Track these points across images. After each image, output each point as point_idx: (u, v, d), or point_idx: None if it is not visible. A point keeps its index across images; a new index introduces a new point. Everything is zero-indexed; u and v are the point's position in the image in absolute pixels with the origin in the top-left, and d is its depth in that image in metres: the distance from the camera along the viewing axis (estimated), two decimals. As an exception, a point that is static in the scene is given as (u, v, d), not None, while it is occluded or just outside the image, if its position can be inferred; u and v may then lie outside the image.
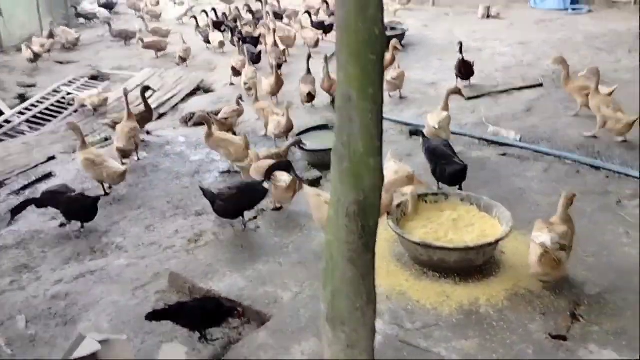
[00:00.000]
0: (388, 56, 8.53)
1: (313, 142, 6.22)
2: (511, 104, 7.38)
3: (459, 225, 3.91)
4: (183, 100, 9.24)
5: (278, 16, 12.34)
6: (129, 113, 6.56)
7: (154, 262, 4.12)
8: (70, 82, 9.95)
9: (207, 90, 9.77)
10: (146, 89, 7.33)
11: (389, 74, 7.89)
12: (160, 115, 8.64)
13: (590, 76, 6.16)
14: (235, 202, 4.39)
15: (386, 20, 11.38)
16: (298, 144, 5.71)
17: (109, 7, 16.09)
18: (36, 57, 10.68)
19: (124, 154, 6.32)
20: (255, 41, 10.32)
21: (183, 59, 10.67)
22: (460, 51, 7.91)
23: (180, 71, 10.49)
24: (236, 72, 9.22)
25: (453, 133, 6.35)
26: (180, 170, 6.01)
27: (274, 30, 10.24)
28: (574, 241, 3.57)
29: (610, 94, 6.26)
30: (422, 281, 3.63)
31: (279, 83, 8.07)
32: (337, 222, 2.00)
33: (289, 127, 6.45)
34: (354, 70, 1.84)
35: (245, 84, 8.35)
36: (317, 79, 7.91)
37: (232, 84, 9.28)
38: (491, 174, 5.22)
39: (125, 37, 12.30)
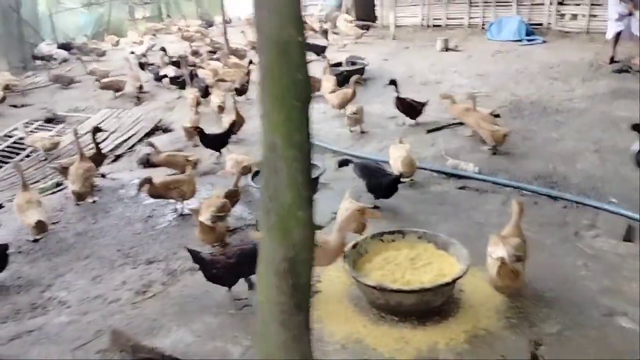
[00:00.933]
0: (350, 90, 8.54)
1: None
2: (469, 135, 7.41)
3: (416, 264, 3.79)
4: (141, 140, 9.04)
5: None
6: (82, 154, 6.35)
7: (97, 318, 3.86)
8: (24, 125, 9.64)
9: (165, 130, 9.60)
10: (97, 130, 7.14)
11: (349, 109, 7.90)
12: (117, 157, 8.42)
13: (470, 100, 7.27)
14: (235, 270, 3.84)
15: (347, 55, 11.49)
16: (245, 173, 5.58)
17: (67, 48, 15.91)
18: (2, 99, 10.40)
19: (80, 196, 6.09)
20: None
21: (139, 89, 10.61)
22: (395, 89, 7.80)
23: (139, 111, 10.33)
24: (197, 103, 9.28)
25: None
26: (133, 215, 5.78)
27: (250, 62, 10.49)
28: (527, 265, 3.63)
29: (491, 114, 7.47)
30: (380, 326, 3.47)
31: (240, 120, 7.98)
32: (267, 281, 1.85)
33: (249, 169, 6.33)
34: (278, 117, 1.73)
35: (219, 106, 8.61)
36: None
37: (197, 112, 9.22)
38: (450, 209, 5.15)
39: (62, 81, 12.11)
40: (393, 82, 7.85)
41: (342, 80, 9.54)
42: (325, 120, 8.73)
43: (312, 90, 7.79)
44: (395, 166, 5.86)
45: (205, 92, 9.59)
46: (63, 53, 15.09)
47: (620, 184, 5.60)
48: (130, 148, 8.78)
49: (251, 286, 3.99)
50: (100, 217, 5.84)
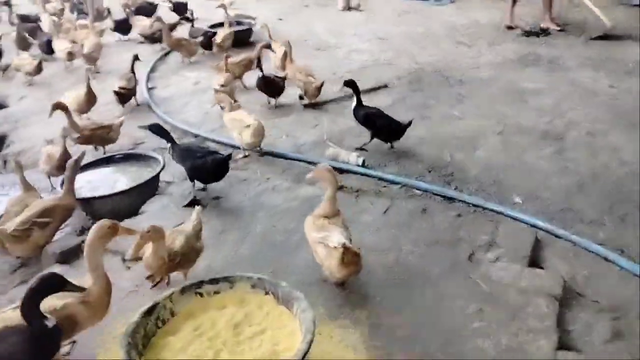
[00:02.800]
0: (252, 56, 6.94)
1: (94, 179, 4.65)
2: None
3: (242, 334, 2.56)
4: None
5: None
6: None
7: None
8: None
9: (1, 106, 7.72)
10: None
11: (217, 80, 6.46)
12: None
13: (286, 48, 6.69)
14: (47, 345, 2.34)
15: (234, 12, 9.85)
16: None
17: None
18: None
19: None
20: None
21: None
22: (259, 66, 6.27)
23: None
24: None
25: (285, 157, 5.11)
26: None
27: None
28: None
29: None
30: None
31: (91, 99, 6.23)
32: None
33: (63, 162, 4.77)
34: None
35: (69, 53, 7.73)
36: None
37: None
38: (319, 221, 3.96)
39: None
40: (258, 62, 6.37)
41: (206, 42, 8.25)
42: (195, 93, 7.25)
43: (189, 54, 7.22)
44: (244, 138, 4.92)
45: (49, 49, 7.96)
46: None
47: (525, 175, 4.67)
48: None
49: None
50: None
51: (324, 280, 3.22)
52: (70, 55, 8.00)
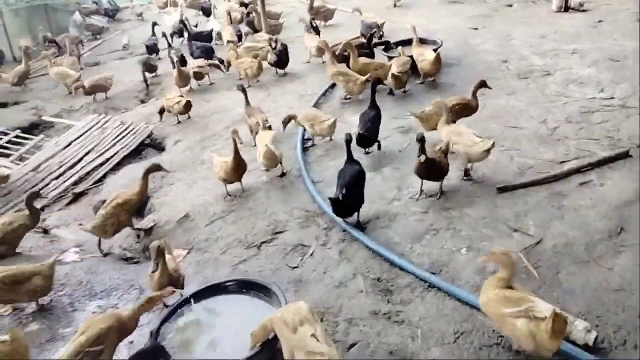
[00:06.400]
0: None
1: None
2: (570, 210, 4.16)
3: None
4: (116, 167, 6.75)
5: None
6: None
7: None
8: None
9: (158, 147, 7.24)
10: (35, 195, 5.10)
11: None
12: (77, 197, 6.19)
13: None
14: None
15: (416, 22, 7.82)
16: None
17: (110, 15, 14.04)
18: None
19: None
20: None
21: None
22: (421, 149, 4.23)
23: (136, 116, 8.01)
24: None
25: (461, 301, 3.46)
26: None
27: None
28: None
29: None
30: None
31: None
32: None
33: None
34: None
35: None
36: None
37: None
38: None
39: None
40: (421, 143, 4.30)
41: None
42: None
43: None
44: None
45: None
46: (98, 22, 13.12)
47: None
48: (99, 180, 6.52)
49: None
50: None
51: None
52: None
